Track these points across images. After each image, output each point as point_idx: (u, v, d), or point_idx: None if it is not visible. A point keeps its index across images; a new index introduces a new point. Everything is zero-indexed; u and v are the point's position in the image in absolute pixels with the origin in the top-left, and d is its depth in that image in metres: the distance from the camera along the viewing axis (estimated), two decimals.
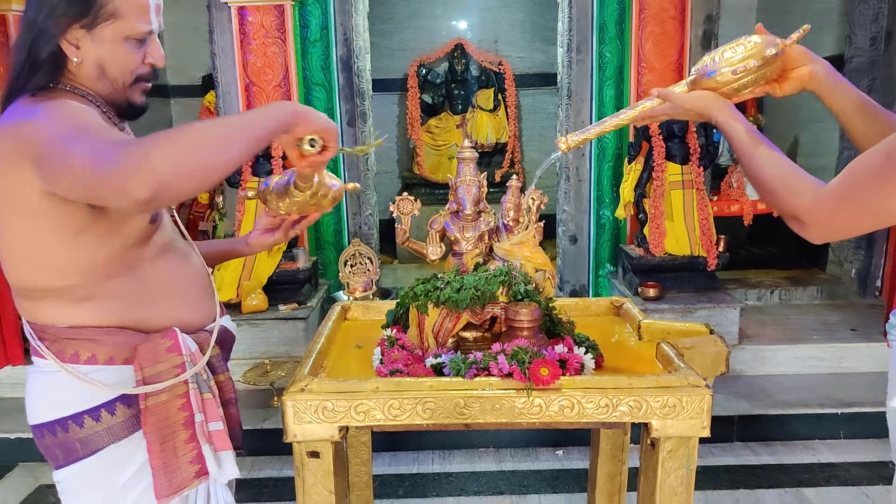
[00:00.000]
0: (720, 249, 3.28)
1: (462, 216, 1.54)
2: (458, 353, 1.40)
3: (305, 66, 3.57)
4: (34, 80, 1.08)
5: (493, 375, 1.31)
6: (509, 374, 1.30)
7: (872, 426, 2.82)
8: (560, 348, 1.38)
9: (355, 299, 3.40)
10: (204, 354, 1.20)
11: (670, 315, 3.06)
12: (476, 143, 5.34)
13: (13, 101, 1.08)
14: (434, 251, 1.54)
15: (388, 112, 5.60)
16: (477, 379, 1.32)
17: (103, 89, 1.12)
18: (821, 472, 2.63)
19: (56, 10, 1.06)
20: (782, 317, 3.58)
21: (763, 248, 4.46)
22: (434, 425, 1.32)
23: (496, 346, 1.35)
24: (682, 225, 3.26)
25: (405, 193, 1.59)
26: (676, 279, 3.29)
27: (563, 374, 1.31)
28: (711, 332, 1.61)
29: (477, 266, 1.52)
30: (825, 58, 1.28)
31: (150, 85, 1.17)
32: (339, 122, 3.64)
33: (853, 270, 3.78)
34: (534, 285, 1.47)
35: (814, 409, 2.86)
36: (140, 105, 1.17)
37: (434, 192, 5.00)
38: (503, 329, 1.44)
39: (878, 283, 3.74)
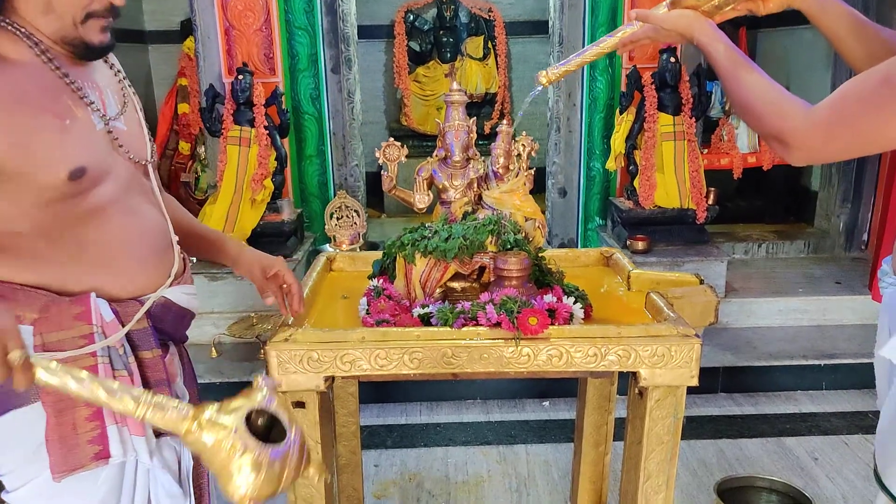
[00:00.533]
0: (710, 202, 3.26)
1: (450, 163, 1.50)
2: (446, 302, 1.37)
3: (288, 9, 3.43)
4: None
5: (481, 325, 1.29)
6: (497, 324, 1.28)
7: (853, 377, 2.87)
8: (549, 298, 1.36)
9: (342, 252, 3.36)
10: (124, 327, 1.07)
11: (658, 268, 3.06)
12: (467, 96, 5.21)
13: None
14: (421, 199, 1.50)
15: (374, 60, 5.44)
16: (465, 328, 1.29)
17: (50, 26, 1.00)
18: (802, 421, 2.69)
19: None
20: (768, 270, 3.60)
21: (751, 202, 4.46)
22: (421, 375, 1.30)
23: (484, 296, 1.33)
24: (672, 177, 3.22)
25: (391, 139, 1.54)
26: (665, 232, 3.27)
27: (552, 324, 1.29)
28: (701, 282, 1.59)
29: (465, 215, 1.48)
30: None
31: (109, 20, 1.04)
32: (323, 68, 3.53)
33: (840, 224, 3.79)
34: (523, 234, 1.44)
35: (797, 360, 2.90)
36: (99, 45, 1.04)
37: (422, 144, 4.91)
38: (492, 279, 1.41)
39: (865, 237, 3.75)
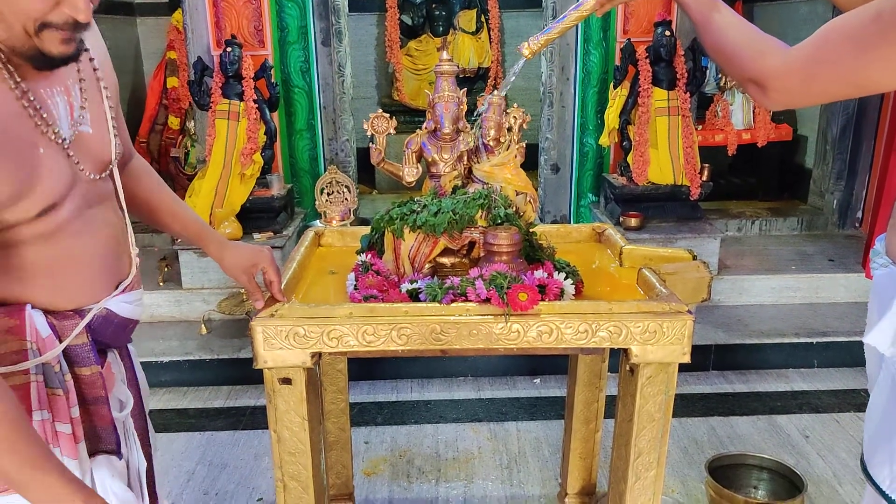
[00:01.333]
0: (704, 178, 3.24)
1: (440, 135, 1.46)
2: (435, 278, 1.35)
3: None
4: None
5: (470, 301, 1.27)
6: (487, 300, 1.26)
7: (845, 355, 2.87)
8: (539, 273, 1.33)
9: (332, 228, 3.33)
10: (61, 342, 0.98)
11: (651, 245, 3.02)
12: (457, 66, 5.13)
13: None
14: (410, 172, 1.46)
15: (365, 34, 5.34)
16: (454, 304, 1.27)
17: (4, 38, 0.86)
18: (793, 399, 2.70)
19: None
20: (761, 247, 3.59)
21: (745, 179, 4.43)
22: (409, 351, 1.28)
23: (474, 272, 1.30)
24: (666, 153, 3.19)
25: (380, 110, 1.49)
26: (658, 209, 3.25)
27: (542, 300, 1.27)
28: (694, 258, 1.57)
29: (455, 189, 1.45)
30: None
31: (70, 34, 0.88)
32: (313, 40, 3.45)
33: (834, 201, 3.77)
34: (514, 209, 1.41)
35: (789, 338, 2.90)
36: (60, 56, 0.88)
37: (414, 120, 4.83)
38: (481, 254, 1.38)
39: (859, 215, 3.74)
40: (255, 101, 3.18)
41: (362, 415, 2.62)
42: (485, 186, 1.42)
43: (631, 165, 3.22)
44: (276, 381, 1.30)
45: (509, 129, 1.46)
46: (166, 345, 2.91)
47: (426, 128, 1.48)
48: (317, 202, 3.47)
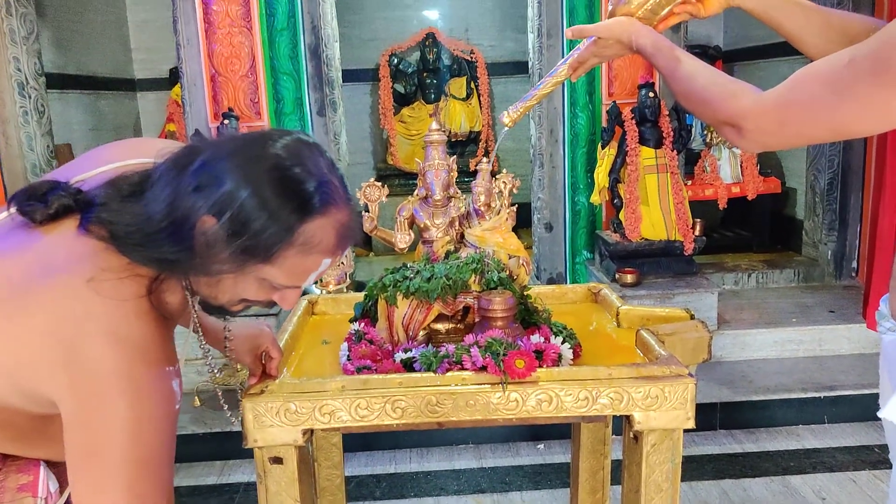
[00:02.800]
0: (696, 233, 3.25)
1: (431, 202, 1.46)
2: (430, 346, 1.32)
3: (273, 56, 3.45)
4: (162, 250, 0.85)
5: (466, 369, 1.24)
6: (483, 368, 1.23)
7: (856, 409, 2.81)
8: (536, 338, 1.31)
9: (328, 293, 3.30)
10: (62, 493, 0.96)
11: (649, 301, 3.02)
12: (449, 131, 5.24)
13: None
14: (403, 239, 1.46)
15: (360, 102, 5.49)
16: (449, 374, 1.24)
17: (207, 294, 0.95)
18: (806, 458, 2.61)
19: (253, 242, 0.84)
20: (759, 300, 3.57)
21: (737, 232, 4.46)
22: (405, 425, 1.24)
23: (469, 338, 1.27)
24: (657, 209, 3.21)
25: (372, 179, 1.50)
26: (654, 264, 3.25)
27: (540, 366, 1.24)
28: (692, 317, 1.55)
29: (448, 254, 1.44)
30: None
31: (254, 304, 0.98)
32: (308, 111, 3.53)
33: (828, 252, 3.78)
34: (507, 272, 1.40)
35: (796, 393, 2.83)
36: (233, 312, 1.02)
37: (409, 183, 4.91)
38: (476, 319, 1.36)
39: (854, 265, 3.74)
40: None
41: (360, 489, 2.52)
42: (477, 251, 1.41)
43: (623, 222, 3.23)
44: (267, 460, 1.25)
45: (499, 194, 1.46)
46: None
47: (417, 194, 1.49)
48: None
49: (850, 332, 3.12)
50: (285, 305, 0.97)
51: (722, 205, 4.04)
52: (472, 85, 5.38)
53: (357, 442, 2.76)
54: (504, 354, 1.21)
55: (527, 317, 1.39)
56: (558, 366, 1.27)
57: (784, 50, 4.33)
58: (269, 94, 3.44)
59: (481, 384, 1.22)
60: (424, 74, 5.32)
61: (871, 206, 3.07)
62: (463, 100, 5.33)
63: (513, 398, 1.22)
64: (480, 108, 5.39)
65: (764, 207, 4.25)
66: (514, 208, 1.48)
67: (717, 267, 3.88)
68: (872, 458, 2.59)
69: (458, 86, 5.35)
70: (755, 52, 4.65)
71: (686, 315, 1.53)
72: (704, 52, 4.76)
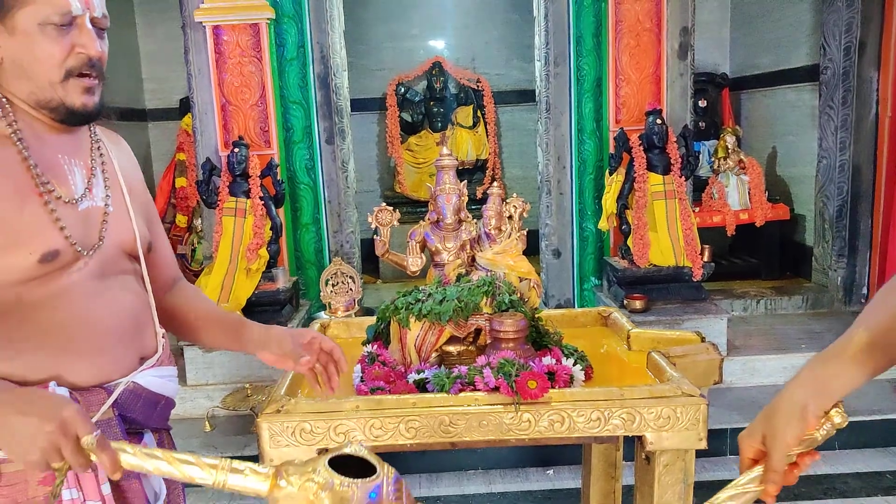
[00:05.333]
0: (705, 259, 3.26)
1: (443, 226, 1.49)
2: (443, 367, 1.34)
3: (282, 85, 3.53)
4: None
5: (478, 390, 1.25)
6: (496, 388, 1.24)
7: (867, 435, 2.78)
8: (548, 360, 1.32)
9: (337, 318, 3.32)
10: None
11: (658, 327, 3.01)
12: (457, 160, 5.30)
13: None
14: (415, 262, 1.48)
15: (367, 131, 5.57)
16: (462, 394, 1.25)
17: (25, 90, 0.94)
18: (817, 484, 2.58)
19: None
20: (768, 326, 3.56)
21: (746, 259, 4.46)
22: (418, 445, 1.25)
23: (481, 360, 1.29)
24: (665, 235, 3.23)
25: (383, 204, 1.54)
26: (662, 290, 3.25)
27: (552, 387, 1.25)
28: (703, 339, 1.56)
29: (459, 277, 1.47)
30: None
31: (93, 81, 0.97)
32: (317, 140, 3.60)
33: (838, 279, 3.77)
34: (518, 295, 1.42)
35: None
36: (82, 108, 0.97)
37: (416, 211, 4.95)
38: (488, 341, 1.38)
39: (864, 291, 3.73)
40: (261, 199, 3.27)
41: None
42: (488, 274, 1.44)
43: (631, 248, 3.25)
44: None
45: (510, 218, 1.50)
46: None
47: (429, 219, 1.52)
48: (322, 293, 3.49)
49: None
50: (89, 48, 0.95)
51: (730, 231, 4.05)
52: (479, 113, 5.45)
53: None
54: (516, 375, 1.23)
55: (538, 339, 1.41)
56: (570, 387, 1.29)
57: (789, 78, 4.40)
58: (279, 123, 3.51)
59: (494, 405, 1.24)
60: (431, 103, 5.41)
61: (880, 232, 3.08)
62: (470, 128, 5.41)
63: (525, 419, 1.23)
64: (487, 136, 5.46)
65: (772, 234, 4.26)
66: (525, 232, 1.51)
67: (725, 293, 3.88)
68: (884, 483, 2.55)
69: (464, 114, 5.43)
70: (761, 80, 4.71)
71: (697, 338, 1.55)
72: (711, 80, 4.82)
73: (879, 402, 2.91)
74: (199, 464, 0.79)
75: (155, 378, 1.07)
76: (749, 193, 4.17)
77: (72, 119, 0.98)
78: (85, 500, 0.96)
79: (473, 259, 1.48)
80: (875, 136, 3.58)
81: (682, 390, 1.25)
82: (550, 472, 2.77)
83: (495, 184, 1.49)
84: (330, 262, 3.62)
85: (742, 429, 2.75)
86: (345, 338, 1.76)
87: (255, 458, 1.25)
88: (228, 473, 0.78)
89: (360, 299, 3.57)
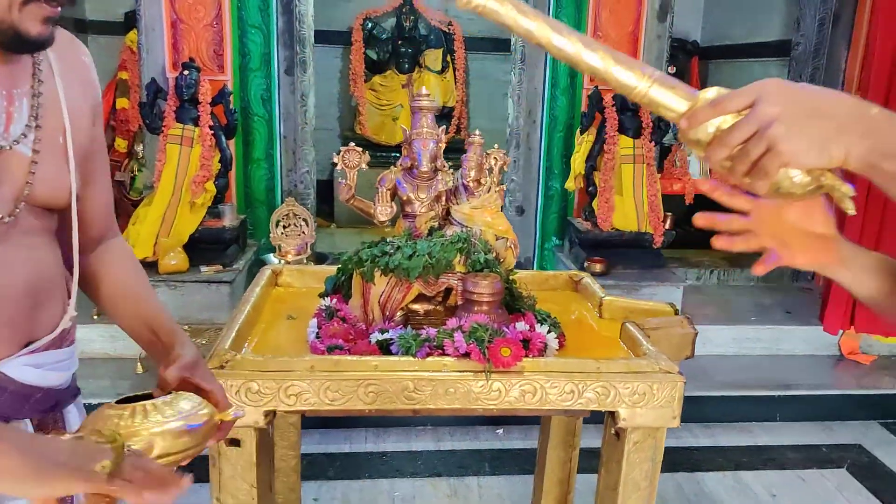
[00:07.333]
0: (667, 227, 3.24)
1: (417, 173, 1.36)
2: (409, 328, 1.23)
3: (241, 6, 3.23)
4: None
5: (447, 355, 1.15)
6: (466, 354, 1.15)
7: (807, 409, 2.86)
8: (521, 326, 1.23)
9: (287, 263, 3.16)
10: None
11: (616, 291, 2.97)
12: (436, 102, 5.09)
13: None
14: (383, 211, 1.35)
15: (329, 66, 5.26)
16: (429, 359, 1.15)
17: None
18: (758, 454, 2.64)
19: None
20: (720, 297, 3.60)
21: (701, 229, 4.48)
22: (377, 411, 1.15)
23: (452, 322, 1.19)
24: (630, 200, 3.18)
25: (352, 144, 1.39)
26: (622, 255, 3.22)
27: (526, 356, 1.16)
28: (676, 312, 1.51)
29: (432, 230, 1.35)
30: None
31: (54, 9, 0.80)
32: (276, 69, 3.34)
33: None
34: (494, 254, 1.31)
35: (751, 390, 2.87)
36: (37, 37, 0.79)
37: (377, 155, 4.74)
38: (459, 302, 1.28)
39: None
40: (210, 128, 3.02)
41: (312, 467, 2.43)
42: (463, 229, 1.32)
43: (596, 211, 3.19)
44: (223, 442, 1.14)
45: (489, 171, 1.37)
46: (96, 384, 2.65)
47: (401, 164, 1.38)
48: (271, 235, 3.30)
49: (806, 333, 3.18)
50: None
51: (689, 200, 4.04)
52: (449, 58, 5.22)
53: (310, 419, 2.65)
54: (489, 341, 1.14)
55: (511, 302, 1.32)
56: (543, 356, 1.20)
57: (759, 52, 4.35)
58: (235, 48, 3.23)
59: (463, 371, 1.14)
60: (399, 42, 5.14)
61: (835, 210, 3.09)
62: (438, 73, 5.18)
63: (495, 388, 1.15)
64: (455, 82, 5.25)
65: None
66: (504, 187, 1.39)
67: (680, 262, 3.89)
68: (820, 456, 2.64)
69: (433, 58, 5.19)
70: (731, 51, 4.66)
71: (671, 310, 1.49)
72: (682, 47, 4.74)
73: (820, 378, 2.99)
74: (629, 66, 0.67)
75: (29, 368, 0.86)
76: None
77: (18, 47, 0.81)
78: None
79: (448, 212, 1.36)
80: None
81: (660, 366, 1.18)
82: (500, 431, 2.75)
83: (477, 132, 1.36)
84: (282, 202, 3.43)
85: (690, 397, 2.69)
86: (298, 287, 1.62)
87: None
88: (654, 84, 0.67)
89: (313, 244, 3.41)
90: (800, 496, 2.39)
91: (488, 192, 1.33)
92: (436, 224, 1.36)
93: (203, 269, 3.04)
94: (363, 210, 1.40)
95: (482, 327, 1.15)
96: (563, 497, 1.77)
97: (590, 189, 3.25)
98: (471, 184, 1.33)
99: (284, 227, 3.32)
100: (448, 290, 1.30)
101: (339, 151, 1.39)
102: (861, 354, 3.09)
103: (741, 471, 2.53)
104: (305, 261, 3.26)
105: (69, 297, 0.92)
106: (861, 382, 2.98)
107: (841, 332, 3.10)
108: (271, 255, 3.40)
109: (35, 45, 0.82)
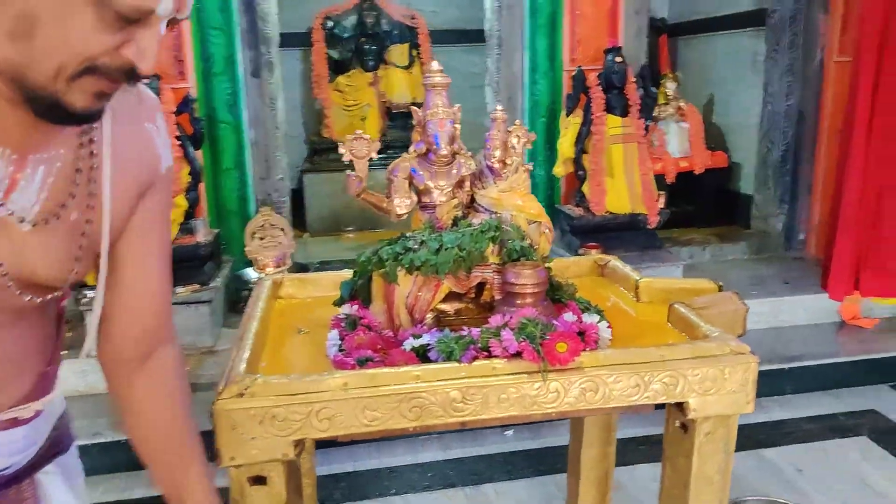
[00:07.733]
0: (661, 206, 3.16)
1: (434, 159, 1.22)
2: (446, 330, 1.09)
3: (200, 7, 3.04)
4: None
5: (496, 357, 1.02)
6: (517, 354, 1.01)
7: (816, 379, 2.82)
8: (569, 317, 1.11)
9: (266, 276, 2.98)
10: None
11: None
12: (390, 103, 4.94)
13: None
14: (402, 204, 1.21)
15: (291, 69, 5.06)
16: (476, 363, 1.01)
17: (9, 53, 0.59)
18: (776, 429, 2.58)
19: None
20: (718, 273, 3.55)
21: (683, 207, 4.44)
22: (423, 427, 1.01)
23: (496, 319, 1.05)
24: (622, 181, 3.10)
25: (360, 132, 1.24)
26: (617, 239, 3.13)
27: (584, 350, 1.04)
28: (720, 288, 1.40)
29: (456, 221, 1.21)
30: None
31: (113, 85, 0.64)
32: (241, 72, 3.16)
33: (780, 225, 3.81)
34: (528, 241, 1.18)
35: (760, 365, 2.80)
36: (81, 112, 0.63)
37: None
38: (496, 297, 1.14)
39: (801, 237, 3.80)
40: (177, 139, 2.82)
41: (317, 491, 2.26)
42: (492, 216, 1.19)
43: (587, 195, 3.10)
44: (246, 481, 0.98)
45: (513, 149, 1.24)
46: (74, 425, 2.43)
47: (416, 150, 1.24)
48: (247, 248, 3.11)
49: (806, 302, 3.14)
50: (142, 63, 0.63)
51: (670, 179, 3.99)
52: (415, 52, 5.08)
53: None
54: (543, 337, 1.00)
55: (551, 293, 1.19)
56: (598, 349, 1.08)
57: (729, 23, 4.33)
58: (197, 52, 3.04)
59: (517, 374, 1.01)
60: (362, 40, 4.97)
61: (835, 177, 3.06)
62: (405, 68, 5.03)
63: (553, 389, 1.02)
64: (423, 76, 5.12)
65: (710, 182, 4.25)
66: (530, 166, 1.26)
67: (671, 241, 3.84)
68: (837, 425, 2.60)
69: (399, 53, 5.04)
70: (700, 26, 4.63)
71: (714, 286, 1.38)
72: (650, 25, 4.69)
73: (825, 347, 2.96)
74: None
75: (17, 432, 0.76)
76: (689, 141, 4.13)
77: (55, 119, 0.65)
78: None
79: (472, 199, 1.22)
80: (820, 80, 3.57)
81: (731, 347, 1.08)
82: (508, 432, 2.62)
83: (499, 107, 1.22)
84: (256, 212, 3.24)
85: None
86: (301, 297, 1.47)
87: (211, 458, 0.97)
88: None
89: (293, 254, 3.24)
90: (825, 468, 2.33)
91: (515, 172, 1.20)
92: (459, 213, 1.22)
93: (179, 289, 2.84)
94: (375, 205, 1.25)
95: (532, 322, 1.02)
96: (602, 497, 1.65)
97: (580, 173, 3.15)
98: (496, 165, 1.20)
99: (261, 238, 3.14)
100: (481, 286, 1.16)
101: (346, 140, 1.24)
102: (863, 319, 3.07)
103: (762, 448, 2.46)
104: (286, 272, 3.09)
105: (47, 380, 0.82)
106: (867, 347, 2.96)
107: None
108: (249, 269, 3.22)
109: (75, 120, 0.66)
